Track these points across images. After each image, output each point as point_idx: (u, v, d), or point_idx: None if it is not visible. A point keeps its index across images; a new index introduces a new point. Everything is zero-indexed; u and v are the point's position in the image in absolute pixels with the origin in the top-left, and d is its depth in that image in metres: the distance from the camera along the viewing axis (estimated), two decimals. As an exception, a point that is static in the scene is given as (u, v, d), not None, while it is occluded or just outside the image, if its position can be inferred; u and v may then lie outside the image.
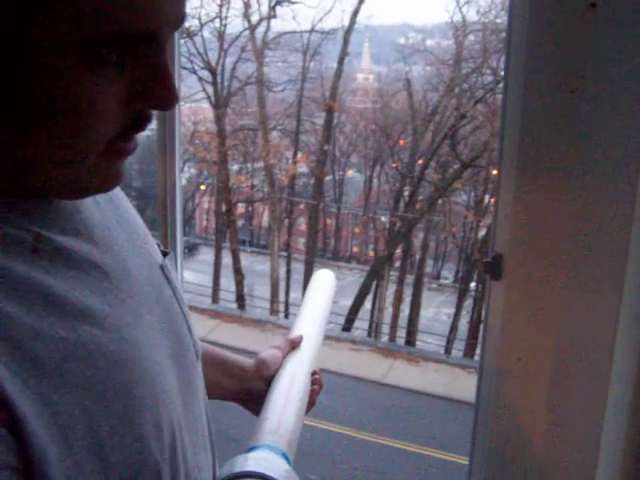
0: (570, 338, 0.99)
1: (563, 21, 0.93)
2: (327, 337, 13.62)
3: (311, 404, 1.11)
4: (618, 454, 1.03)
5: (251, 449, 0.90)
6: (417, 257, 20.67)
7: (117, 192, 0.77)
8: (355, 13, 18.04)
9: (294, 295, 19.75)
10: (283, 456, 0.90)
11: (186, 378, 0.74)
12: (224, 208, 19.87)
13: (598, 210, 0.94)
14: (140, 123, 0.58)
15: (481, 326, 1.16)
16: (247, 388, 1.10)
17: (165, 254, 0.81)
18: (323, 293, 1.32)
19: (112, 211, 0.73)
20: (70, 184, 0.59)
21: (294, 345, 1.16)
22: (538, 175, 0.97)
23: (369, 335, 18.08)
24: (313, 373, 1.14)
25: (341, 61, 18.45)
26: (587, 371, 0.99)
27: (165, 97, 0.57)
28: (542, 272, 1.00)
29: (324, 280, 1.36)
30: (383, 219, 22.81)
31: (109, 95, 0.54)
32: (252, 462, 0.83)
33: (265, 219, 25.80)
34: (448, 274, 26.55)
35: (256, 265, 24.58)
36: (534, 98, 0.96)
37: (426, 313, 20.84)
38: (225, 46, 18.61)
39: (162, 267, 0.77)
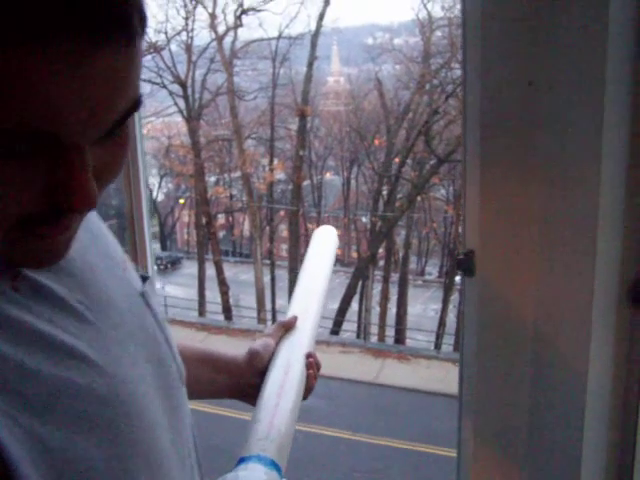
0: (546, 332, 0.99)
1: (517, 13, 0.93)
2: (316, 342, 13.64)
3: (309, 389, 1.08)
4: (601, 454, 1.03)
5: (241, 461, 0.90)
6: (400, 255, 20.72)
7: (94, 219, 0.76)
8: (321, 17, 18.09)
9: (280, 302, 19.71)
10: (272, 465, 0.89)
11: (172, 406, 0.73)
12: (204, 220, 19.83)
13: (564, 200, 0.94)
14: (56, 213, 0.52)
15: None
16: (242, 383, 1.07)
17: (144, 279, 0.80)
18: (323, 255, 1.27)
19: (90, 240, 0.71)
20: None
21: (288, 328, 1.12)
22: (501, 169, 0.98)
23: (358, 336, 18.08)
24: (308, 356, 1.09)
25: (310, 65, 18.47)
26: (565, 365, 0.99)
27: (72, 199, 0.51)
28: (514, 266, 1.00)
29: (324, 238, 1.31)
30: (364, 220, 22.85)
31: (10, 181, 0.49)
32: None
33: (246, 228, 25.76)
34: (432, 269, 26.63)
35: (240, 275, 24.51)
36: (492, 91, 0.96)
37: (413, 310, 20.88)
38: (194, 58, 18.61)
39: (142, 294, 0.76)
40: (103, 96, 0.48)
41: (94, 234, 0.73)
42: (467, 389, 1.11)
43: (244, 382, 1.07)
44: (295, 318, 1.14)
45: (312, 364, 1.10)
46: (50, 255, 0.58)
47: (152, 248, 1.84)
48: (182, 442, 0.75)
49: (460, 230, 17.79)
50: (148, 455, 0.63)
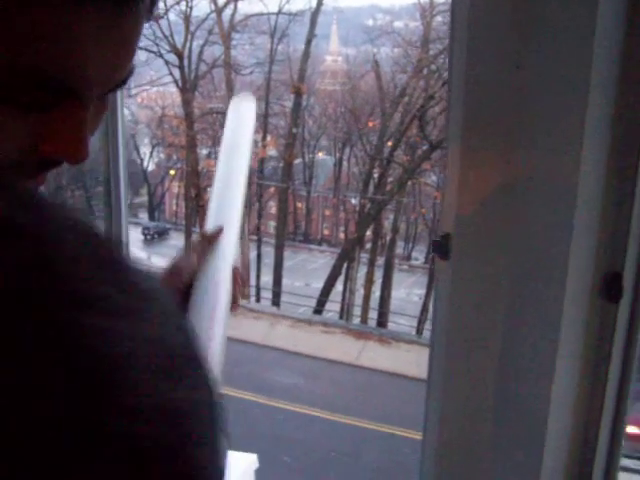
0: (517, 317, 0.99)
1: (506, -3, 0.92)
2: (299, 320, 13.62)
3: (234, 304, 1.03)
4: (565, 439, 1.04)
5: None
6: (387, 239, 20.76)
7: None
8: (322, -6, 17.96)
9: (265, 279, 19.73)
10: None
11: None
12: (194, 193, 19.77)
13: (543, 186, 0.94)
14: (43, 164, 0.56)
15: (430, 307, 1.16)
16: None
17: None
18: (242, 135, 1.12)
19: None
20: None
21: (211, 241, 1.06)
22: (483, 152, 0.97)
23: (341, 317, 18.14)
24: (233, 271, 1.04)
25: (309, 43, 18.38)
26: (533, 352, 0.99)
27: (69, 153, 0.55)
28: (489, 251, 1.00)
29: (243, 111, 1.15)
30: (353, 201, 22.85)
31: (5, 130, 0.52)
32: None
33: (235, 203, 25.59)
34: (419, 255, 26.67)
35: (227, 249, 24.45)
36: (478, 75, 0.96)
37: (397, 294, 20.95)
38: (192, 29, 18.45)
39: None
40: (119, 58, 0.54)
41: None
42: (435, 372, 1.11)
43: None
44: (220, 231, 1.07)
45: (237, 279, 1.06)
46: None
47: (127, 214, 1.84)
48: None
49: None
50: None
